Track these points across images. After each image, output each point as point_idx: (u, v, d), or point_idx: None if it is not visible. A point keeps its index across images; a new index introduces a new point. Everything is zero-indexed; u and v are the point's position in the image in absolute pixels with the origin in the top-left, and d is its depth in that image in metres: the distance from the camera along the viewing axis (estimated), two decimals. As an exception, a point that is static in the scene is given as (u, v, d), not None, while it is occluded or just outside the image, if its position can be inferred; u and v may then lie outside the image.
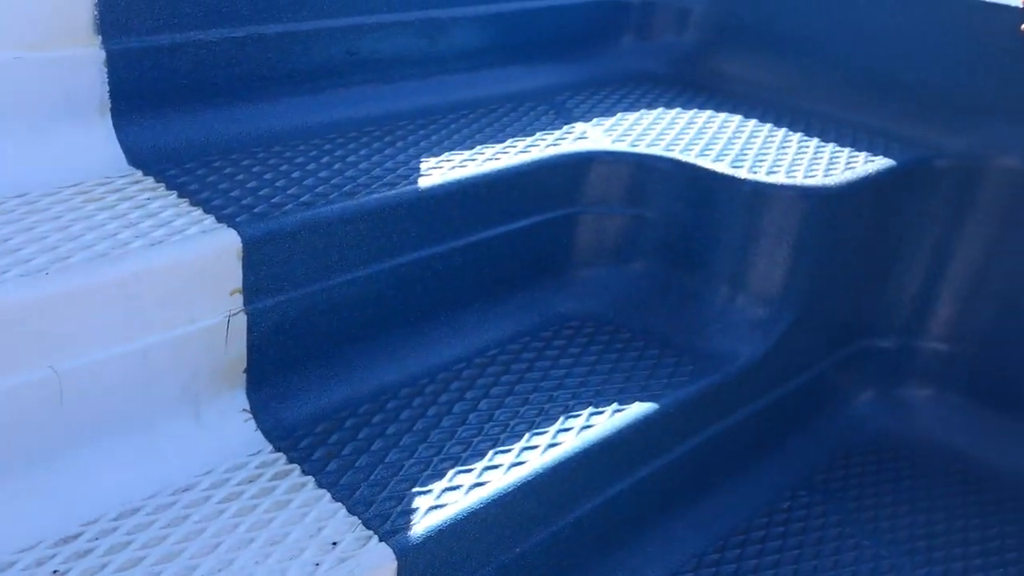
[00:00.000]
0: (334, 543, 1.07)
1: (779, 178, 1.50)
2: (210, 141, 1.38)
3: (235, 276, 1.16)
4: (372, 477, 1.17)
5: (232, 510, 1.10)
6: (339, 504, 1.12)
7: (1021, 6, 1.61)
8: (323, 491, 1.13)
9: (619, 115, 1.73)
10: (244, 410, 1.23)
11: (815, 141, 1.69)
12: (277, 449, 1.20)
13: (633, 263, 1.59)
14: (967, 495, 1.67)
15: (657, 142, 1.61)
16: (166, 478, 1.12)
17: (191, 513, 1.08)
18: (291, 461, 1.18)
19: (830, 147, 1.67)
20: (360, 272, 1.29)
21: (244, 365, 1.21)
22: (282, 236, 1.19)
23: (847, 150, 1.65)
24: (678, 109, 1.79)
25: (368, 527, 1.09)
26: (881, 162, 1.60)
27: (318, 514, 1.11)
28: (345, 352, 1.32)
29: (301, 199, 1.26)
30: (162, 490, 1.11)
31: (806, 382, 1.69)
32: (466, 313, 1.45)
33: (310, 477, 1.16)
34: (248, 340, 1.20)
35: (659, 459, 1.40)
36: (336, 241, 1.25)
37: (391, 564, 1.06)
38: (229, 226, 1.17)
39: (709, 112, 1.79)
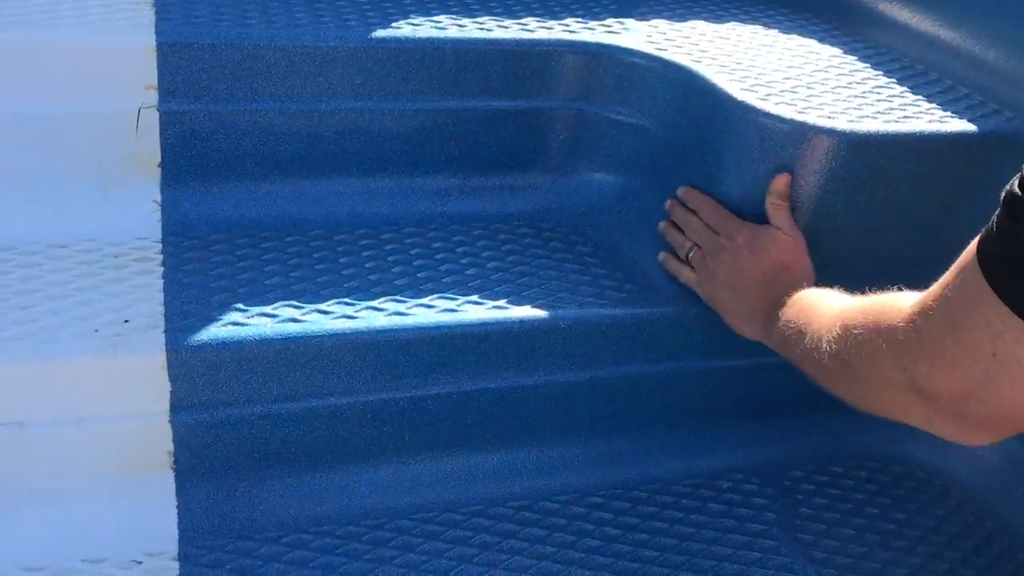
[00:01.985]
0: (126, 320, 1.16)
1: (787, 111, 1.27)
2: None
3: (150, 73, 1.26)
4: (212, 285, 1.23)
5: (77, 271, 1.22)
6: (162, 294, 1.20)
7: None
8: (160, 282, 1.22)
9: (690, 22, 1.55)
10: (155, 201, 1.34)
11: (901, 90, 1.39)
12: (162, 240, 1.31)
13: (623, 175, 1.44)
14: (965, 549, 1.34)
15: (695, 53, 1.42)
16: (49, 234, 1.27)
17: (44, 263, 1.23)
18: (162, 252, 1.28)
19: (912, 99, 1.37)
20: (292, 105, 1.33)
21: (159, 160, 1.33)
22: (202, 47, 1.27)
23: (932, 106, 1.34)
24: (774, 32, 1.56)
25: (166, 318, 1.16)
26: (951, 124, 1.29)
27: (138, 296, 1.20)
28: (272, 179, 1.37)
29: (247, 22, 1.33)
30: (38, 241, 1.26)
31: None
32: (420, 179, 1.43)
33: (162, 268, 1.25)
34: (161, 137, 1.30)
35: (543, 374, 1.29)
36: (264, 67, 1.30)
37: (160, 355, 1.12)
38: (158, 24, 1.27)
39: (805, 40, 1.54)
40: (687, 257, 1.30)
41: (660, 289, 1.35)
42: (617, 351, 1.32)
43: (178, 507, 1.20)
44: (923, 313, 0.83)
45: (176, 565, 1.16)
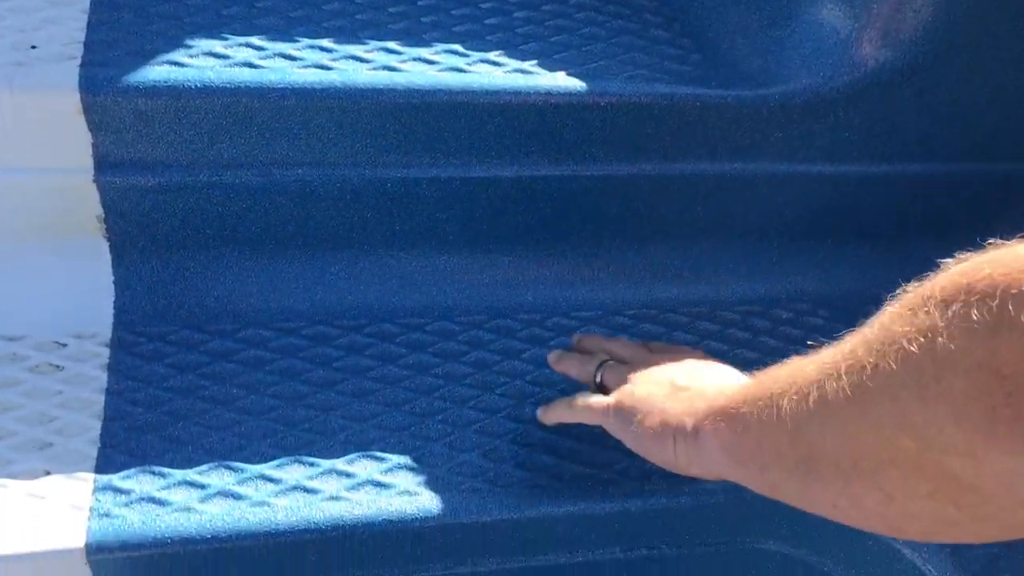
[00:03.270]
0: (33, 46, 0.88)
1: None
2: None
3: None
4: (152, 9, 0.95)
5: None
6: (86, 15, 0.93)
7: None
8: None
9: None
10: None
11: None
12: None
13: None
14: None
15: None
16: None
17: None
18: None
19: None
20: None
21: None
22: None
23: None
24: None
25: (85, 47, 0.89)
26: None
27: (54, 15, 0.92)
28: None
29: None
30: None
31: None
32: None
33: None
34: None
35: (572, 163, 1.01)
36: None
37: (72, 96, 0.85)
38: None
39: None
40: (597, 378, 0.90)
41: (736, 65, 1.04)
42: (671, 142, 1.03)
43: (115, 283, 1.00)
44: None
45: (106, 352, 0.96)
